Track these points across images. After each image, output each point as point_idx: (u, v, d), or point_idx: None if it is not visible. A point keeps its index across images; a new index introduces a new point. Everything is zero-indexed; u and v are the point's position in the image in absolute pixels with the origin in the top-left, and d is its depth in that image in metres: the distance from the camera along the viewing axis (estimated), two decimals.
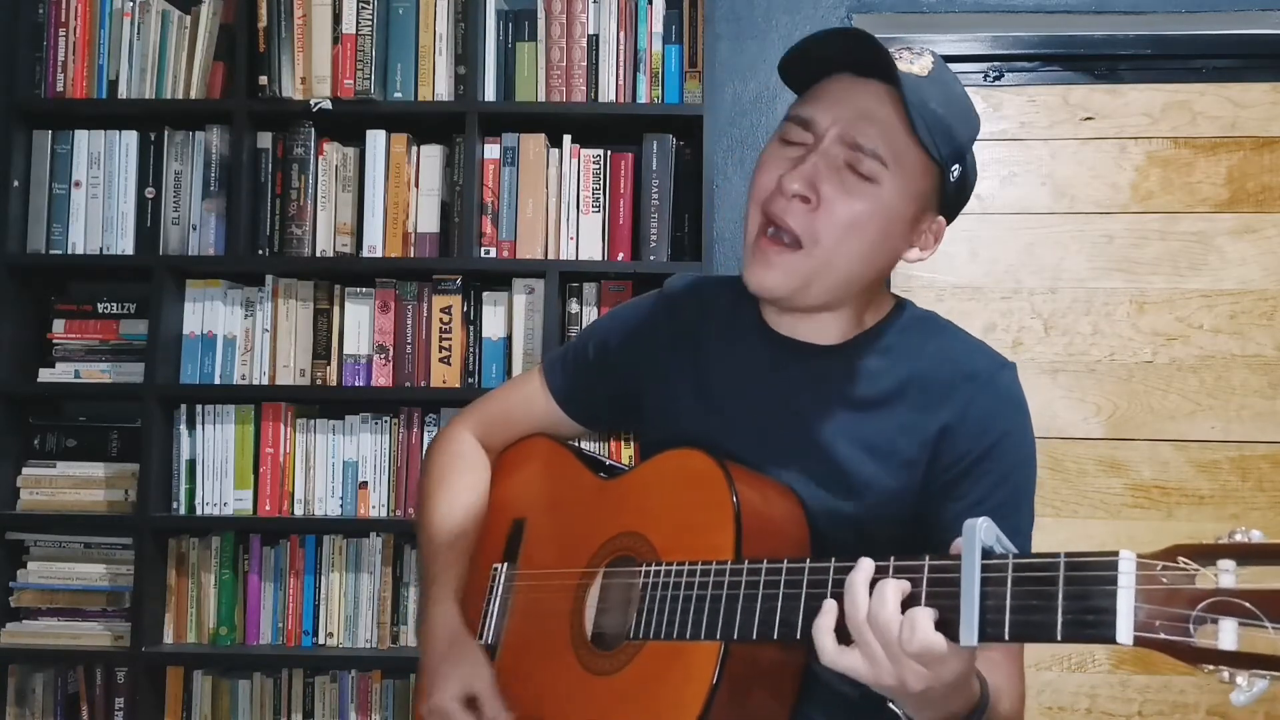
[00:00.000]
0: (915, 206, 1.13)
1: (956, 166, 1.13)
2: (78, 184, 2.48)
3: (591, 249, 2.45)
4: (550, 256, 2.45)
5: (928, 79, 1.10)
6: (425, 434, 2.44)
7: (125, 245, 2.47)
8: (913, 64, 1.11)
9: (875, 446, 1.15)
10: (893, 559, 0.93)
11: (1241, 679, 0.75)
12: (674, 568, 1.11)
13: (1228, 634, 0.76)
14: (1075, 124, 2.60)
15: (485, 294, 2.47)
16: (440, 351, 2.44)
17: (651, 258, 2.42)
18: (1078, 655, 2.52)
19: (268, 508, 2.43)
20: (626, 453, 2.39)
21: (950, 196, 1.15)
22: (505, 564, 1.33)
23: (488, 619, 1.31)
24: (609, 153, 2.46)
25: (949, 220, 1.18)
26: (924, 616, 0.89)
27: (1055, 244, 2.58)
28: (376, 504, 2.44)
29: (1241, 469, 2.52)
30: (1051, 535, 2.51)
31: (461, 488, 1.39)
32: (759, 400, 1.21)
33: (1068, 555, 0.84)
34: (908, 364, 1.17)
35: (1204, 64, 2.57)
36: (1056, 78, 2.61)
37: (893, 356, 1.18)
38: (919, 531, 1.14)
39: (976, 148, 1.20)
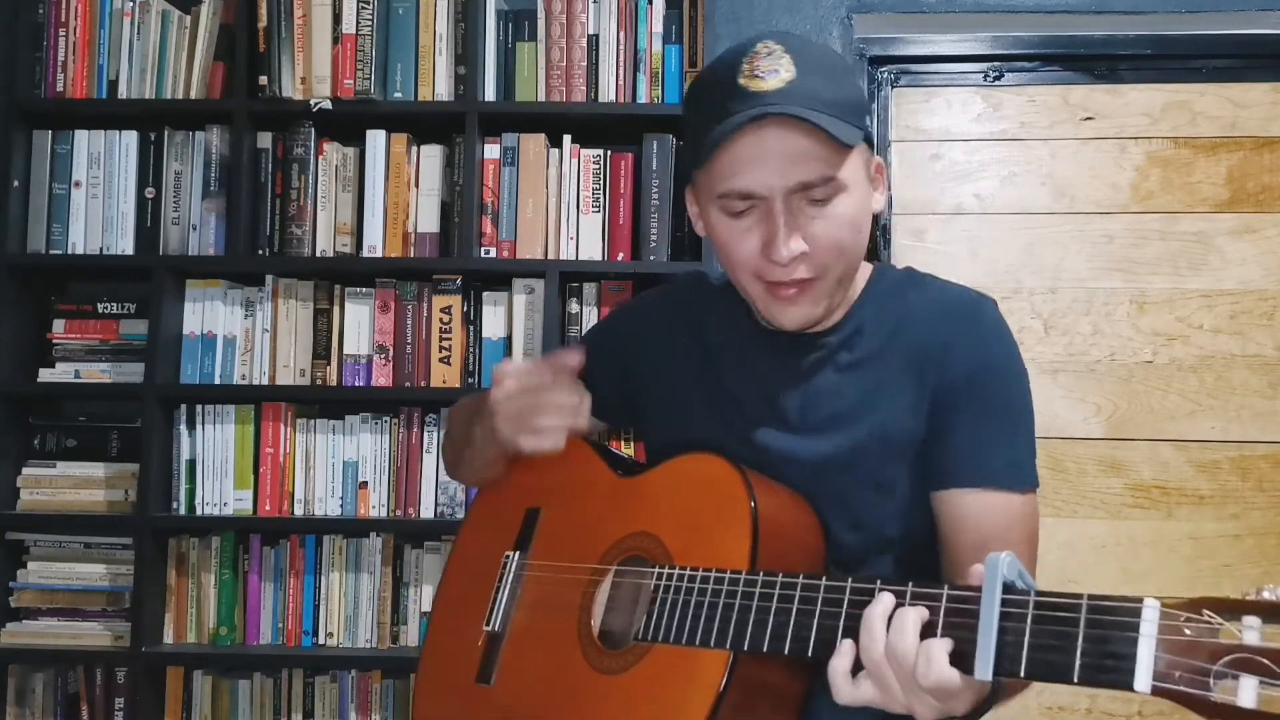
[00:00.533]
0: (865, 175, 1.16)
1: (866, 117, 1.18)
2: (78, 184, 2.48)
3: (591, 249, 2.45)
4: (550, 256, 2.45)
5: (801, 74, 1.08)
6: (425, 434, 2.44)
7: (125, 245, 2.48)
8: (779, 70, 1.08)
9: (874, 403, 1.17)
10: (910, 585, 0.94)
11: None
12: (688, 572, 1.11)
13: (1248, 691, 0.75)
14: (1075, 124, 2.60)
15: (485, 294, 2.47)
16: (440, 351, 2.44)
17: (651, 258, 2.42)
18: None
19: (268, 508, 2.43)
20: (627, 451, 2.38)
21: (872, 136, 1.23)
22: (517, 552, 1.34)
23: (496, 605, 1.31)
24: (609, 153, 2.46)
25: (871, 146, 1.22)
26: (940, 650, 0.89)
27: (1055, 244, 2.58)
28: (376, 504, 2.44)
29: (1241, 469, 2.52)
30: (1051, 535, 2.51)
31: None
32: (767, 392, 1.22)
33: (1090, 598, 0.84)
34: (893, 317, 1.21)
35: (1204, 64, 2.57)
36: (1056, 78, 2.61)
37: (880, 316, 1.21)
38: (929, 470, 1.16)
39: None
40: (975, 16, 2.56)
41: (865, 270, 1.25)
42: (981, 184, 2.60)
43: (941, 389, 1.16)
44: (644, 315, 1.38)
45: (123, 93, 2.48)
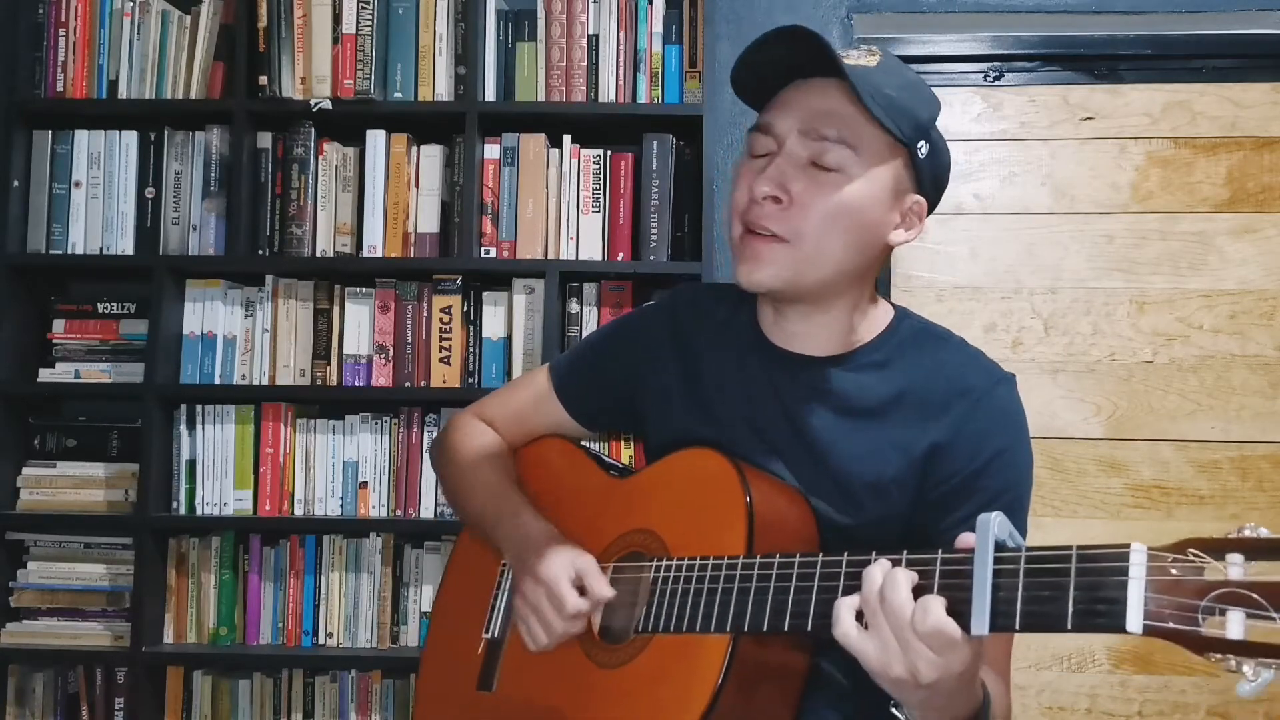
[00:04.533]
0: (889, 187, 1.14)
1: (923, 144, 1.15)
2: (78, 184, 2.48)
3: (591, 249, 2.45)
4: (550, 256, 2.45)
5: (878, 68, 1.13)
6: (425, 434, 2.44)
7: (125, 245, 2.47)
8: (860, 59, 1.14)
9: (867, 459, 1.16)
10: (905, 552, 0.95)
11: (1248, 668, 0.77)
12: (684, 562, 1.12)
13: (1235, 624, 0.78)
14: (1075, 124, 2.60)
15: (485, 294, 2.47)
16: (440, 351, 2.44)
17: (651, 258, 2.42)
18: (1078, 655, 2.52)
19: (268, 508, 2.43)
20: (627, 453, 2.39)
21: (925, 174, 1.17)
22: None
23: (495, 612, 1.31)
24: (609, 153, 2.46)
25: (931, 201, 1.19)
26: (936, 602, 0.90)
27: (1055, 244, 2.58)
28: (376, 504, 2.44)
29: (1241, 469, 2.52)
30: (1051, 535, 2.51)
31: (498, 453, 1.41)
32: (754, 410, 1.22)
33: (1079, 548, 0.86)
34: (902, 378, 1.18)
35: (1204, 64, 2.57)
36: (1056, 78, 2.61)
37: (888, 371, 1.18)
38: (913, 544, 1.14)
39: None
40: (975, 16, 2.56)
41: (886, 311, 1.24)
42: (981, 184, 2.60)
43: (944, 469, 1.14)
44: (639, 328, 1.37)
45: (123, 93, 2.48)
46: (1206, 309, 2.55)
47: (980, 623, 0.88)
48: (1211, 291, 2.55)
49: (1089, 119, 2.59)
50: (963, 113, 2.61)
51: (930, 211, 1.20)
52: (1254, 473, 2.52)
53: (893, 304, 1.26)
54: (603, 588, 1.17)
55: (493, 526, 1.32)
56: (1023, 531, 1.14)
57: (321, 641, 2.43)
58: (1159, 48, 2.55)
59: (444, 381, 2.43)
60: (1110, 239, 2.58)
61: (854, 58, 1.14)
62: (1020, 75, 2.62)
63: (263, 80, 2.44)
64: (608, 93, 2.45)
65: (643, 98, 2.45)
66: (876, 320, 1.22)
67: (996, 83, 2.61)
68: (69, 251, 2.47)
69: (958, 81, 2.62)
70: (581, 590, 1.17)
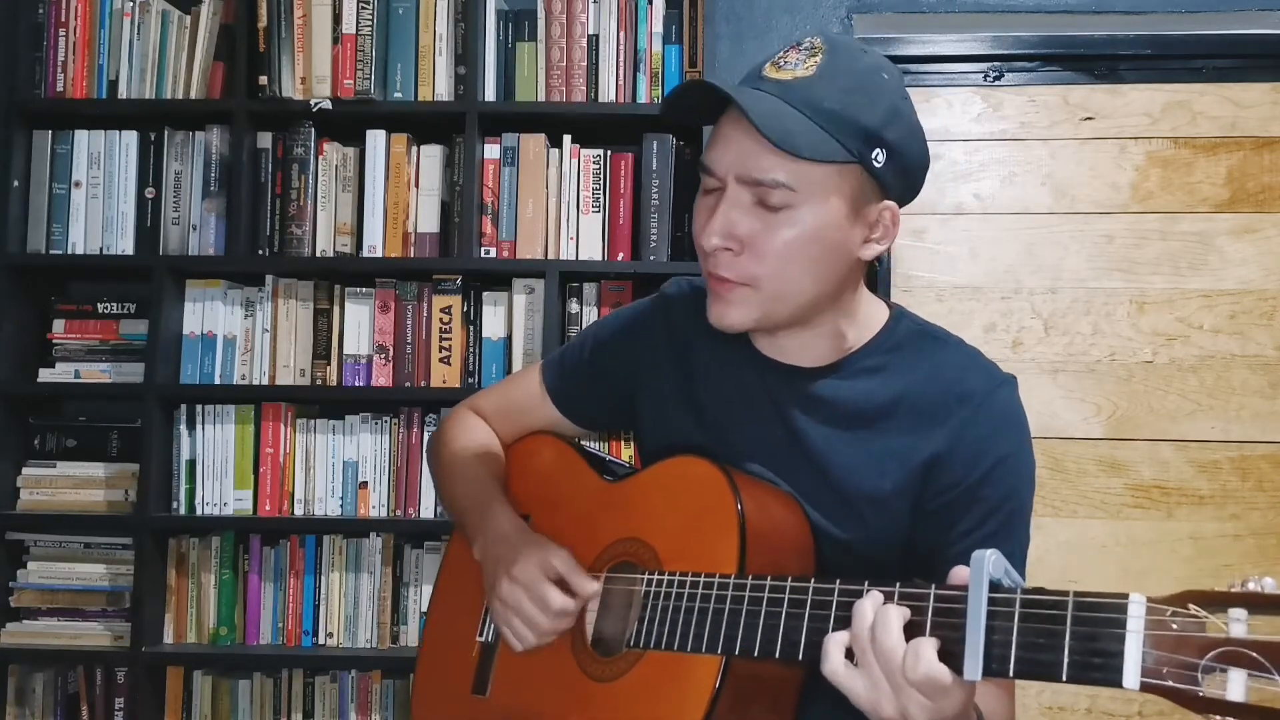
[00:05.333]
0: (845, 209, 1.07)
1: (878, 151, 1.06)
2: (78, 184, 2.48)
3: (591, 249, 2.45)
4: (550, 256, 2.45)
5: (818, 76, 1.05)
6: (425, 434, 2.44)
7: (125, 245, 2.48)
8: (798, 66, 1.06)
9: (865, 470, 1.13)
10: (898, 585, 0.93)
11: None
12: (676, 577, 1.10)
13: (1236, 685, 0.75)
14: (1075, 124, 2.60)
15: (485, 294, 2.47)
16: (440, 351, 2.44)
17: (651, 258, 2.42)
18: None
19: (268, 508, 2.43)
20: (626, 452, 2.38)
21: (889, 178, 1.08)
22: None
23: (488, 617, 1.31)
24: (609, 153, 2.46)
25: (905, 200, 1.13)
26: (928, 647, 0.88)
27: (1055, 244, 2.58)
28: (376, 504, 2.44)
29: (1241, 469, 2.52)
30: (1051, 536, 2.51)
31: (483, 444, 1.39)
32: (750, 417, 1.20)
33: (1076, 594, 0.83)
34: (899, 383, 1.14)
35: (1204, 64, 2.57)
36: (1056, 78, 2.61)
37: (884, 376, 1.15)
38: (913, 554, 1.12)
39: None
40: (975, 16, 2.56)
41: (881, 312, 1.19)
42: (981, 184, 2.60)
43: (945, 479, 1.10)
44: (633, 329, 1.33)
45: (123, 93, 2.48)
46: (1206, 309, 2.55)
47: (974, 668, 0.86)
48: (1211, 291, 2.55)
49: (1089, 119, 2.59)
50: (963, 113, 2.61)
51: (910, 200, 1.13)
52: (1254, 473, 2.52)
53: (889, 303, 1.22)
54: (586, 584, 1.16)
55: (463, 516, 1.32)
56: (1025, 538, 1.12)
57: (321, 641, 2.43)
58: (1159, 48, 2.55)
59: (444, 381, 2.43)
60: (1110, 239, 2.58)
61: (790, 68, 1.05)
62: (1020, 75, 2.62)
63: (263, 80, 2.44)
64: (608, 93, 2.45)
65: (643, 98, 2.45)
66: (870, 323, 1.18)
67: (996, 83, 2.61)
68: (69, 251, 2.47)
69: (958, 81, 2.62)
70: (564, 589, 1.16)
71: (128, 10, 2.49)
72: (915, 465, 1.11)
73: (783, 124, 1.02)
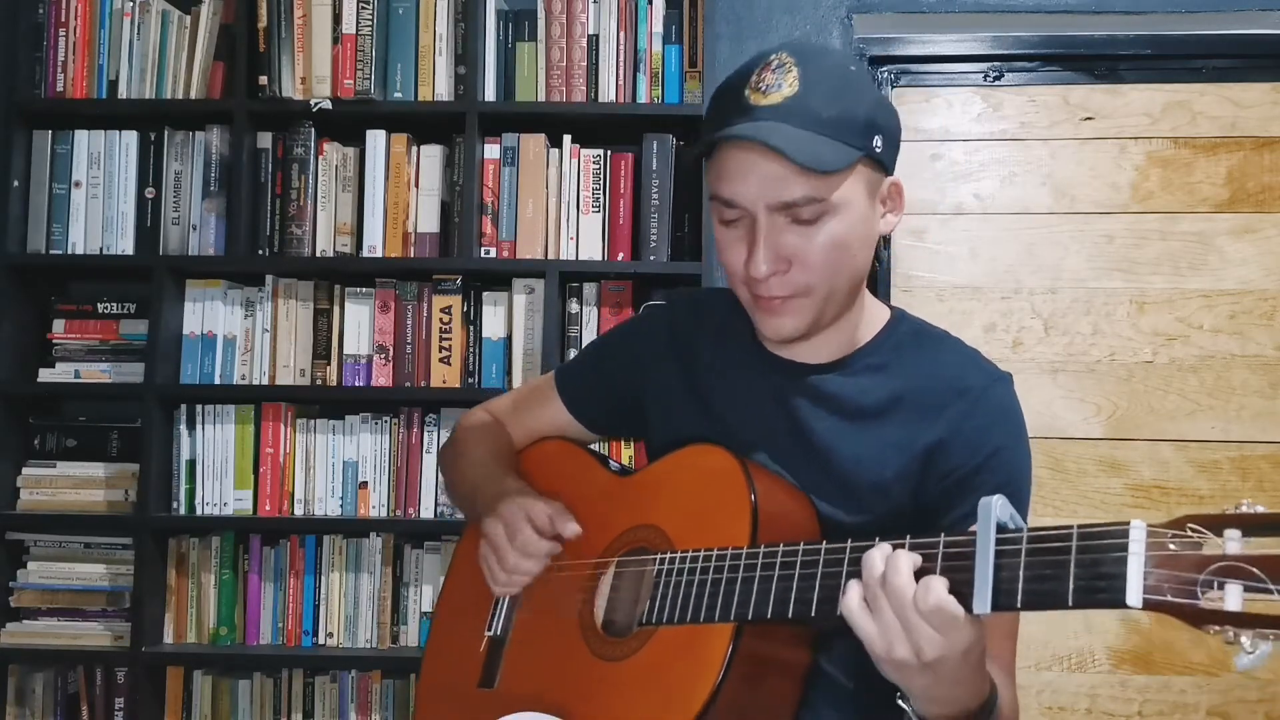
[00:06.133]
0: (865, 198, 1.13)
1: (876, 138, 1.12)
2: (78, 184, 2.48)
3: (591, 249, 2.45)
4: (550, 256, 2.45)
5: (804, 92, 1.08)
6: (425, 434, 2.44)
7: (125, 245, 2.47)
8: (781, 86, 1.09)
9: (868, 460, 1.16)
10: (909, 536, 0.96)
11: (1246, 640, 0.78)
12: (688, 554, 1.12)
13: (1233, 596, 0.78)
14: (1075, 124, 2.60)
15: (485, 294, 2.47)
16: (440, 351, 2.44)
17: (651, 258, 2.42)
18: (1078, 655, 2.52)
19: (268, 508, 2.43)
20: (627, 453, 2.39)
21: (887, 158, 1.15)
22: None
23: (498, 611, 1.31)
24: (609, 153, 2.46)
25: (894, 167, 1.18)
26: (938, 582, 0.91)
27: (1055, 244, 2.58)
28: (376, 504, 2.44)
29: (1241, 469, 2.52)
30: None
31: (498, 437, 1.44)
32: (755, 413, 1.22)
33: (1081, 527, 0.87)
34: (900, 380, 1.18)
35: (1204, 64, 2.57)
36: (1056, 78, 2.61)
37: (886, 373, 1.19)
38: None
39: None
40: (975, 16, 2.56)
41: (882, 313, 1.24)
42: (981, 184, 2.60)
43: (943, 467, 1.14)
44: (641, 332, 1.38)
45: (123, 93, 2.48)
46: (1206, 309, 2.55)
47: (983, 602, 0.89)
48: (1211, 291, 2.55)
49: (1089, 119, 2.59)
50: (963, 113, 2.61)
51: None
52: (1254, 473, 2.52)
53: (889, 305, 1.26)
54: (570, 525, 1.23)
55: (474, 494, 1.35)
56: None
57: (321, 641, 2.43)
58: (1159, 48, 2.55)
59: (444, 381, 2.43)
60: (1110, 239, 2.58)
61: (775, 90, 1.08)
62: (1020, 75, 2.62)
63: (263, 80, 2.44)
64: (608, 93, 2.45)
65: (643, 98, 2.45)
66: (873, 322, 1.23)
67: (996, 83, 2.61)
68: (69, 251, 2.47)
69: (958, 81, 2.62)
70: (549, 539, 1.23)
71: (128, 10, 2.49)
72: (916, 453, 1.15)
73: (804, 148, 1.06)
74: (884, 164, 1.15)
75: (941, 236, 2.59)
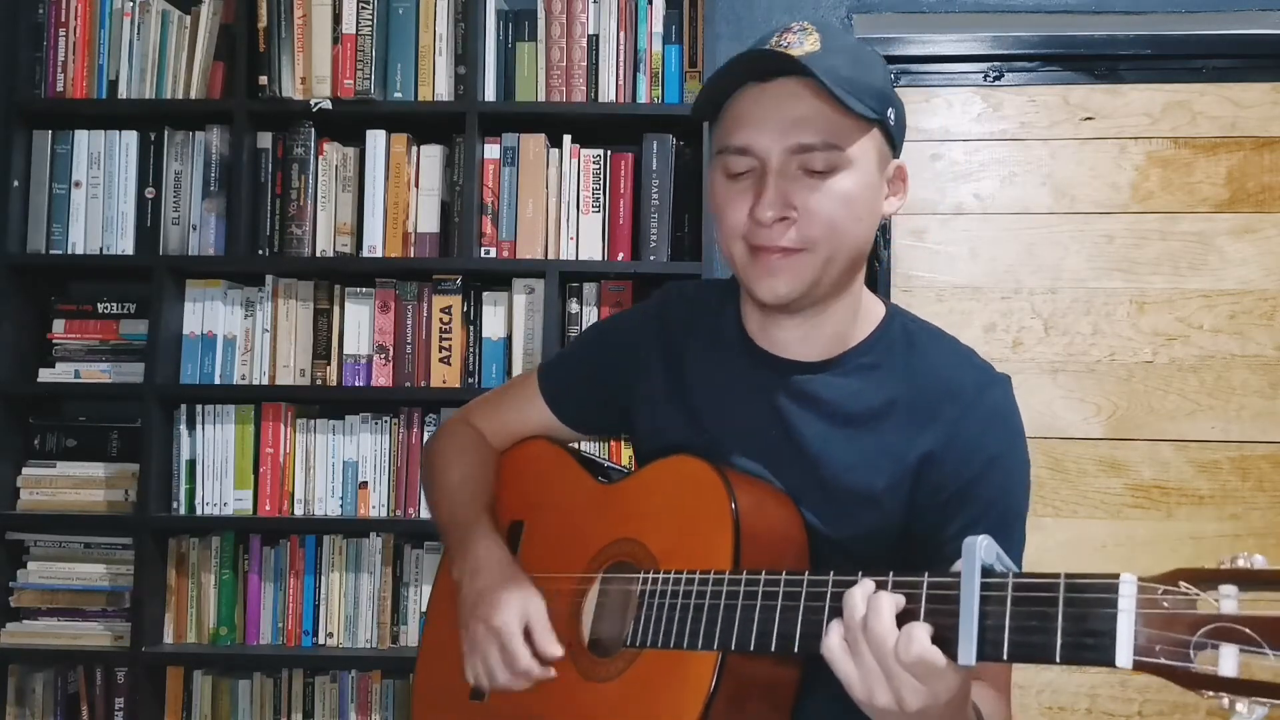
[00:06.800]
0: (875, 165, 1.13)
1: (890, 110, 1.13)
2: (78, 184, 2.48)
3: (591, 249, 2.45)
4: (550, 256, 2.45)
5: (824, 51, 1.08)
6: (425, 434, 2.44)
7: (125, 245, 2.48)
8: (804, 43, 1.09)
9: (858, 469, 1.13)
10: (891, 575, 0.93)
11: (1242, 706, 0.74)
12: (672, 576, 1.10)
13: (1228, 660, 0.75)
14: (1075, 124, 2.60)
15: (485, 294, 2.47)
16: (440, 351, 2.44)
17: (651, 258, 2.42)
18: None
19: (268, 508, 2.43)
20: (626, 453, 2.38)
21: (899, 136, 1.15)
22: None
23: None
24: (609, 153, 2.46)
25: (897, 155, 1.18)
26: (920, 630, 0.88)
27: (1055, 244, 2.58)
28: (376, 504, 2.44)
29: (1241, 469, 2.52)
30: (1051, 536, 2.52)
31: (473, 460, 1.40)
32: (741, 414, 1.20)
33: (1068, 576, 0.84)
34: (893, 382, 1.15)
35: (1204, 64, 2.57)
36: (1056, 78, 2.61)
37: (878, 374, 1.16)
38: (907, 553, 1.12)
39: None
40: (975, 16, 2.56)
41: (878, 309, 1.21)
42: (981, 184, 2.60)
43: (938, 477, 1.11)
44: (626, 331, 1.34)
45: (123, 93, 2.48)
46: (1206, 309, 2.55)
47: (968, 652, 0.85)
48: (1211, 291, 2.55)
49: (1089, 119, 2.59)
50: (963, 113, 2.61)
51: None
52: (1254, 473, 2.52)
53: (885, 302, 1.23)
54: (551, 645, 1.16)
55: (445, 535, 1.33)
56: (1020, 539, 1.12)
57: (321, 641, 2.43)
58: (1159, 48, 2.55)
59: (444, 381, 2.43)
60: (1110, 239, 2.58)
61: (794, 45, 1.08)
62: (1020, 75, 2.62)
63: (263, 80, 2.44)
64: (608, 93, 2.45)
65: (643, 98, 2.45)
66: (868, 319, 1.19)
67: (996, 83, 2.62)
68: (69, 251, 2.47)
69: (958, 81, 2.62)
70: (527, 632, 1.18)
71: (128, 10, 2.49)
72: (909, 463, 1.12)
73: (839, 83, 1.06)
74: (894, 140, 1.14)
75: (941, 236, 2.59)
